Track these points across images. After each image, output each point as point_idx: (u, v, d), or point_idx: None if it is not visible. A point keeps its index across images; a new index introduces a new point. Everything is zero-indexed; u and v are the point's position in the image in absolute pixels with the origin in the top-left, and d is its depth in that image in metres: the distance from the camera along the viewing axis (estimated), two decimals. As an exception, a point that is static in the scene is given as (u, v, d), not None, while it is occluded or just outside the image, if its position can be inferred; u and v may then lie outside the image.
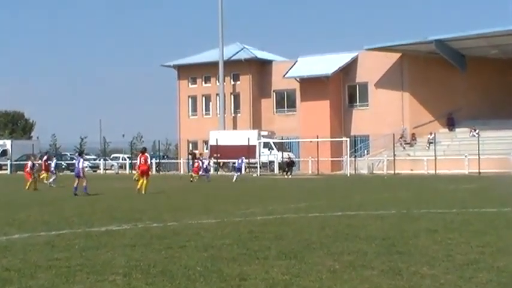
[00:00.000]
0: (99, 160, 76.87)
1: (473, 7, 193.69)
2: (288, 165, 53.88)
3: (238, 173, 47.61)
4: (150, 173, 31.78)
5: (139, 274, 9.81)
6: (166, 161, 74.03)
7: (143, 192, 29.94)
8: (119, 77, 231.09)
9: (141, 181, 30.86)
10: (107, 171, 70.19)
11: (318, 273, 9.73)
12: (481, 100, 62.38)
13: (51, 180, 39.44)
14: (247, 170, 61.85)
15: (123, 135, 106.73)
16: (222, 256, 11.33)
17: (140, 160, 31.79)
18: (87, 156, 70.77)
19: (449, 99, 62.29)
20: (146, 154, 32.38)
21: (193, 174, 46.25)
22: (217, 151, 64.62)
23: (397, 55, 63.91)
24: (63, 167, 74.30)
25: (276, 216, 18.23)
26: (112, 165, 74.30)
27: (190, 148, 72.15)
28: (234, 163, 51.72)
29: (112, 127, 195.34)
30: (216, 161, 64.76)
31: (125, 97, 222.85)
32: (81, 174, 30.16)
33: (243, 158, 50.90)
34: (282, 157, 59.67)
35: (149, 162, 31.64)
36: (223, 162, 65.62)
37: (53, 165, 41.51)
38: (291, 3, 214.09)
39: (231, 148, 62.93)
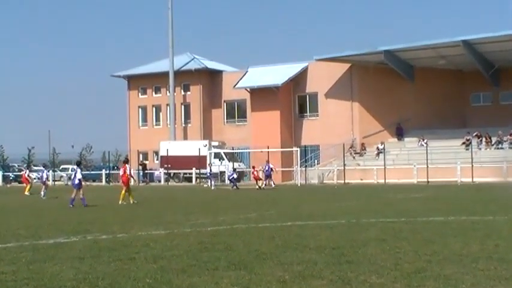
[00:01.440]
0: (48, 171, 75.84)
1: (422, 18, 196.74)
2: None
3: (269, 181, 50.50)
4: (129, 183, 32.05)
5: (88, 287, 9.72)
6: (116, 171, 73.17)
7: (128, 201, 30.62)
8: (68, 87, 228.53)
9: (123, 192, 31.44)
10: (56, 183, 69.27)
11: (267, 283, 9.75)
12: (429, 110, 63.34)
13: (42, 192, 39.00)
14: (198, 180, 61.77)
15: (73, 146, 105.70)
16: (172, 267, 11.28)
17: (121, 171, 32.71)
18: (35, 168, 69.76)
19: (398, 109, 63.09)
20: (126, 165, 32.74)
21: (259, 182, 49.36)
22: (168, 161, 64.38)
23: (347, 65, 64.54)
24: (11, 178, 73.20)
25: (225, 227, 18.22)
26: (61, 177, 73.35)
27: (141, 159, 71.77)
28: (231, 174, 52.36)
29: (61, 138, 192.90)
30: (166, 171, 64.55)
31: (75, 107, 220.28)
32: (80, 185, 29.97)
33: (270, 164, 52.31)
34: (233, 169, 59.56)
35: (127, 173, 31.80)
36: (174, 173, 65.44)
37: (44, 176, 41.33)
38: (241, 14, 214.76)
39: (182, 158, 62.83)
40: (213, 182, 50.67)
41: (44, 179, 40.99)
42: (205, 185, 51.24)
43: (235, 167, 59.62)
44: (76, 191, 29.77)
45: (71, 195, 29.83)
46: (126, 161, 34.02)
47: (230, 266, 11.34)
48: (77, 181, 29.98)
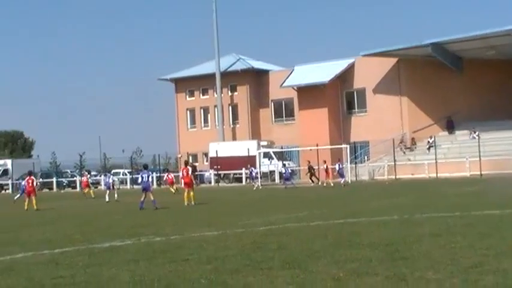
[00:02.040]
0: (100, 176, 76.78)
1: (469, 8, 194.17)
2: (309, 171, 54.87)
3: (344, 179, 49.85)
4: (193, 184, 32.47)
5: (144, 289, 9.80)
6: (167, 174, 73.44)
7: (192, 203, 30.74)
8: (116, 92, 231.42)
9: (186, 193, 31.54)
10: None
11: (322, 281, 9.72)
12: (480, 101, 62.44)
13: (106, 196, 40.97)
14: (248, 180, 61.84)
15: (123, 151, 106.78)
16: (226, 268, 11.32)
17: (183, 173, 32.49)
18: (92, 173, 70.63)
19: (447, 102, 62.36)
20: (188, 167, 33.06)
21: (328, 181, 49.04)
22: (217, 163, 64.62)
23: (394, 60, 64.02)
24: (64, 184, 74.28)
25: (278, 226, 18.22)
26: (114, 181, 74.03)
27: (190, 161, 72.13)
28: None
29: (111, 143, 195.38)
30: (216, 172, 64.78)
31: (123, 112, 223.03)
32: (150, 188, 30.36)
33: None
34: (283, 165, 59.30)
35: (190, 174, 32.21)
36: (224, 174, 65.63)
37: (110, 181, 42.85)
38: (285, 12, 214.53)
39: (231, 159, 62.98)
40: (258, 182, 50.56)
41: (110, 184, 42.33)
42: (255, 186, 51.37)
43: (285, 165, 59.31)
44: (146, 194, 29.72)
45: (149, 199, 29.66)
46: (187, 163, 34.30)
47: (284, 265, 11.33)
48: (149, 184, 30.34)
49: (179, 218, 23.28)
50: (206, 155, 70.56)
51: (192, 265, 11.84)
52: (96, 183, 73.74)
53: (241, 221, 20.38)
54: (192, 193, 31.45)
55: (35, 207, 33.21)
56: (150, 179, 30.91)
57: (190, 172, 32.40)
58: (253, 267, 11.23)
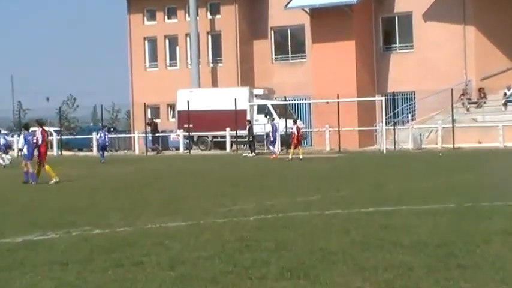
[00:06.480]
0: (14, 137, 76.62)
1: None
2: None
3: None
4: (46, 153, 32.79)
5: (74, 306, 9.87)
6: (113, 135, 73.70)
7: (53, 180, 31.13)
8: (41, 14, 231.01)
9: (38, 167, 31.90)
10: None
11: (340, 299, 9.80)
12: None
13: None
14: (234, 146, 61.86)
15: (48, 99, 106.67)
16: (198, 276, 11.41)
17: (40, 137, 32.25)
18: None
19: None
20: (44, 128, 33.28)
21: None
22: (190, 120, 64.34)
23: (456, -28, 63.87)
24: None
25: (277, 215, 18.31)
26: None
27: (149, 116, 71.91)
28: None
29: (30, 87, 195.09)
30: (187, 134, 64.69)
31: (49, 43, 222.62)
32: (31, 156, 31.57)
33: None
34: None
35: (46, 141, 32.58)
36: (199, 136, 65.48)
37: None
38: None
39: (210, 115, 62.74)
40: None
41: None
42: (244, 154, 51.40)
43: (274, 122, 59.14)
44: (27, 164, 30.90)
45: (26, 170, 31.17)
46: (42, 123, 33.89)
47: (284, 273, 11.42)
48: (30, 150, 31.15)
49: (130, 202, 23.29)
50: (172, 107, 70.45)
51: (147, 271, 11.91)
52: (8, 147, 73.75)
53: (224, 207, 20.47)
54: (47, 166, 31.77)
55: None
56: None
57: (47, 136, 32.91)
58: (237, 276, 11.32)
